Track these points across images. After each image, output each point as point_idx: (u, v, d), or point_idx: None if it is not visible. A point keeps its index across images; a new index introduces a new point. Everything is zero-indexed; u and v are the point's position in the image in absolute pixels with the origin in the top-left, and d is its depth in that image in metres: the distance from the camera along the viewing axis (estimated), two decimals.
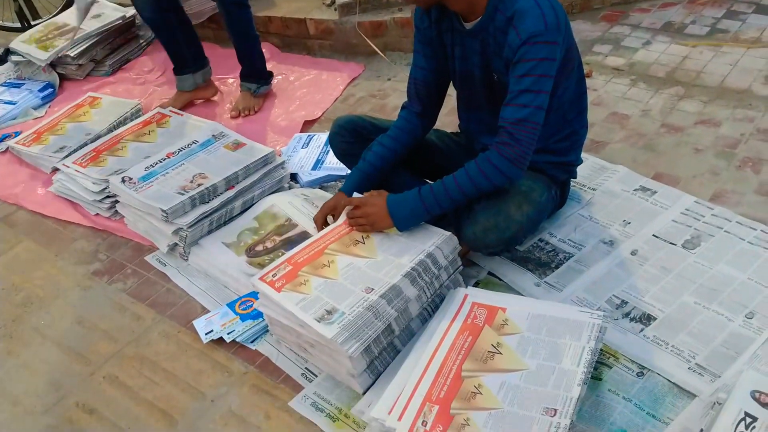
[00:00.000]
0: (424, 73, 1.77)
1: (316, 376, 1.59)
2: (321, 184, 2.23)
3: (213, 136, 2.29)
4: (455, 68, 1.72)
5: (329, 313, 1.46)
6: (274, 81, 2.84)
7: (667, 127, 2.24)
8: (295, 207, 1.99)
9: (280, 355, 1.65)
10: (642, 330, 1.58)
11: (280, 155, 2.29)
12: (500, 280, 1.78)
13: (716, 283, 1.66)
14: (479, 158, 1.58)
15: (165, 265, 2.00)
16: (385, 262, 1.57)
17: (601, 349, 1.52)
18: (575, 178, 1.92)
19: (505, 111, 1.54)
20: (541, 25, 1.47)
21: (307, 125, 2.62)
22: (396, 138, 1.80)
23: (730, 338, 1.52)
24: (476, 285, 1.77)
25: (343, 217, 1.70)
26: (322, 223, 1.76)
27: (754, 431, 1.24)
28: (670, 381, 1.46)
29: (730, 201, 1.89)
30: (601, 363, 1.51)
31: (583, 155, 2.05)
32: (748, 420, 1.26)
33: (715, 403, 1.35)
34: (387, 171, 1.81)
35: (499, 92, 1.60)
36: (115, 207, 2.21)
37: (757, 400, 1.29)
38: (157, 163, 2.16)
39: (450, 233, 1.63)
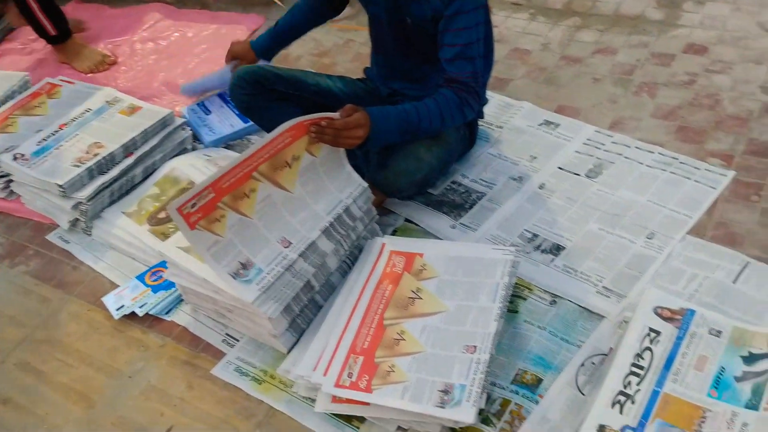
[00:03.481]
0: None
1: (238, 340, 1.56)
2: (226, 143, 2.15)
3: (107, 102, 2.16)
4: (365, 4, 1.69)
5: (244, 267, 1.41)
6: (172, 38, 2.72)
7: (566, 59, 2.27)
8: (198, 169, 1.91)
9: (197, 324, 1.62)
10: (552, 260, 1.63)
11: (180, 116, 2.19)
12: (417, 225, 1.78)
13: (618, 209, 1.72)
14: (446, 97, 1.58)
15: (68, 243, 1.90)
16: (301, 204, 1.51)
17: (516, 283, 1.57)
18: (482, 117, 1.93)
19: (454, 65, 1.57)
20: None
21: None
22: (296, 12, 1.95)
23: (634, 260, 1.60)
24: (394, 233, 1.77)
25: (289, 124, 1.45)
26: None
27: (659, 344, 1.32)
28: (580, 306, 1.52)
29: (628, 127, 1.96)
30: (516, 296, 1.55)
31: (489, 94, 2.06)
32: (653, 335, 1.33)
33: (622, 322, 1.43)
34: (299, 34, 2.02)
35: (414, 37, 1.59)
36: (9, 187, 2.06)
37: (660, 316, 1.36)
38: (49, 137, 2.03)
39: (365, 185, 1.62)
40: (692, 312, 1.36)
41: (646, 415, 1.22)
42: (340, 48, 2.49)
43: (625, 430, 1.20)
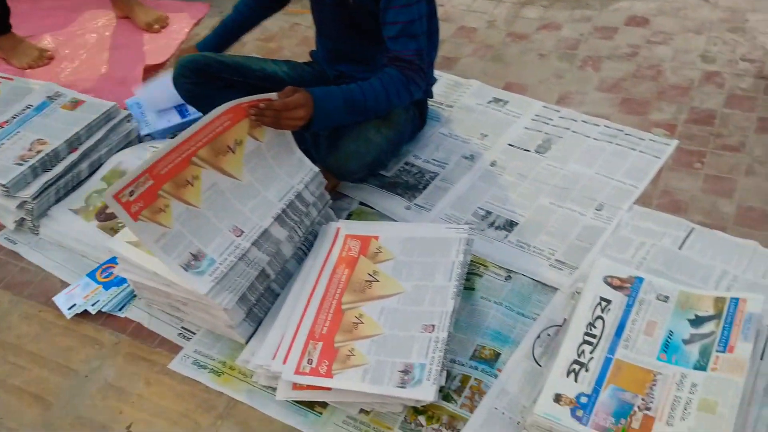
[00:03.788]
0: None
1: (194, 333, 1.55)
2: (173, 132, 2.11)
3: (48, 97, 2.09)
4: None
5: (195, 258, 1.39)
6: (114, 29, 2.65)
7: (512, 35, 2.29)
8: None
9: (152, 319, 1.59)
10: (506, 236, 1.66)
11: (125, 108, 2.14)
12: (372, 208, 1.79)
13: (567, 182, 1.75)
14: (391, 75, 1.57)
15: (15, 243, 1.84)
16: (251, 191, 1.49)
17: (471, 261, 1.59)
18: (431, 97, 1.94)
19: (398, 43, 1.55)
20: None
21: (152, 73, 2.45)
22: (240, 11, 1.88)
23: (584, 231, 1.63)
24: (349, 217, 1.77)
25: (226, 106, 1.42)
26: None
27: (610, 313, 1.35)
28: (534, 280, 1.54)
29: (574, 101, 1.99)
30: (472, 273, 1.57)
31: (437, 73, 2.07)
32: (604, 304, 1.37)
33: (575, 293, 1.46)
34: (246, 30, 1.95)
35: (357, 17, 1.58)
36: None
37: (610, 285, 1.40)
38: None
39: (317, 170, 1.61)
40: (640, 279, 1.39)
41: (599, 382, 1.25)
42: (286, 32, 2.46)
43: (581, 398, 1.23)
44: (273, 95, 1.46)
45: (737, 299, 1.30)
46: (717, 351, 1.23)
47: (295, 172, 1.57)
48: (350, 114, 1.56)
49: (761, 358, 1.26)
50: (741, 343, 1.22)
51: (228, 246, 1.42)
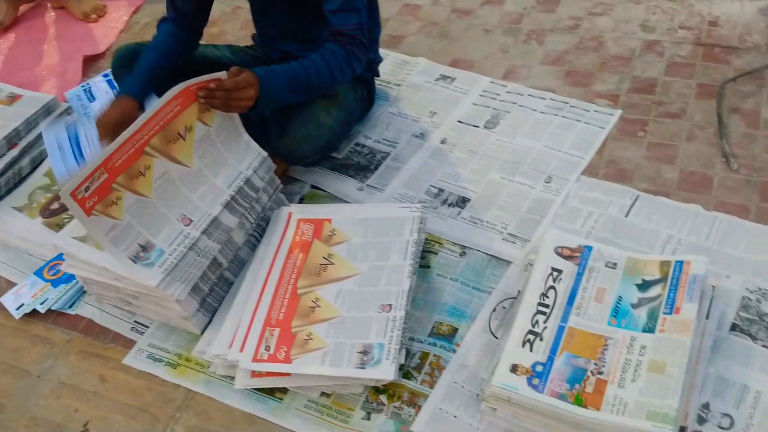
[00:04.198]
0: None
1: (148, 327, 1.52)
2: None
3: None
4: None
5: (144, 249, 1.36)
6: (50, 20, 2.55)
7: (457, 12, 2.29)
8: None
9: (104, 314, 1.56)
10: (459, 213, 1.67)
11: (65, 101, 2.08)
12: (324, 191, 1.78)
13: (517, 156, 1.77)
14: (332, 51, 1.55)
15: None
16: (200, 178, 1.47)
17: (426, 239, 1.59)
18: (378, 76, 1.93)
19: (339, 17, 1.54)
20: None
21: (91, 63, 2.38)
22: (157, 49, 1.68)
23: (534, 204, 1.65)
24: (301, 201, 1.76)
25: (176, 90, 1.38)
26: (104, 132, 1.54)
27: (561, 282, 1.38)
28: (488, 254, 1.56)
29: (520, 75, 2.01)
30: (427, 251, 1.58)
31: (384, 51, 2.06)
32: (555, 274, 1.39)
33: (528, 265, 1.48)
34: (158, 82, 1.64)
35: None
36: None
37: (560, 255, 1.42)
38: None
39: (265, 154, 1.58)
40: (589, 248, 1.42)
41: (554, 350, 1.28)
42: (228, 16, 2.42)
43: (536, 366, 1.25)
44: (222, 74, 1.43)
45: (682, 262, 1.34)
46: (664, 313, 1.27)
47: (244, 157, 1.55)
48: (295, 92, 1.54)
49: (707, 318, 1.30)
50: (687, 305, 1.26)
51: (177, 236, 1.40)
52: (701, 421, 1.22)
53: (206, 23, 1.77)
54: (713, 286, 1.35)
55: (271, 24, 1.76)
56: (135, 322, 1.54)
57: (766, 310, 1.35)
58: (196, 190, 1.46)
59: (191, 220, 1.43)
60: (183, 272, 1.38)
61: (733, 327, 1.34)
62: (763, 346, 1.30)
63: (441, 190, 1.73)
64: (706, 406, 1.24)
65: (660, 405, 1.14)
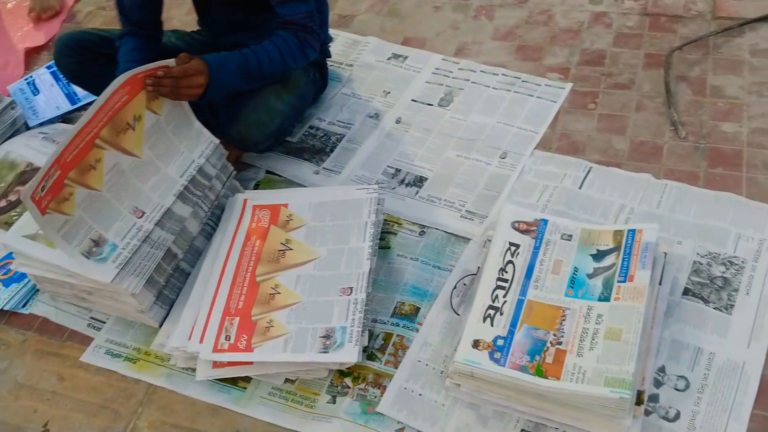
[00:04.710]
0: None
1: (104, 322, 1.50)
2: (63, 116, 2.00)
3: None
4: None
5: (96, 244, 1.33)
6: None
7: None
8: (35, 149, 1.77)
9: (59, 312, 1.53)
10: (417, 192, 1.67)
11: (7, 95, 2.01)
12: (279, 176, 1.76)
13: (472, 133, 1.78)
14: (285, 38, 1.53)
15: None
16: (151, 169, 1.43)
17: (385, 219, 1.59)
18: (329, 57, 1.90)
19: (286, 7, 1.52)
20: None
21: (34, 55, 2.30)
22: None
23: (491, 180, 1.66)
24: (257, 186, 1.73)
25: (123, 78, 1.34)
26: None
27: (519, 256, 1.39)
28: (447, 232, 1.57)
29: (472, 52, 2.00)
30: (386, 232, 1.58)
31: (334, 32, 2.04)
32: (513, 248, 1.41)
33: (486, 241, 1.49)
34: None
35: None
36: None
37: (517, 229, 1.44)
38: None
39: (217, 141, 1.56)
40: (545, 221, 1.44)
41: (514, 324, 1.29)
42: (173, 2, 2.35)
43: (497, 341, 1.27)
44: (170, 61, 1.40)
45: (634, 231, 1.36)
46: (618, 281, 1.29)
47: (195, 145, 1.52)
48: (246, 80, 1.52)
49: (660, 284, 1.33)
50: (640, 272, 1.29)
51: (130, 229, 1.37)
52: (658, 384, 1.26)
53: (162, 28, 1.72)
54: (665, 253, 1.38)
55: (216, 18, 1.72)
56: (91, 318, 1.51)
57: (716, 274, 1.39)
58: (148, 180, 1.43)
59: (144, 212, 1.40)
60: (137, 266, 1.36)
61: (686, 291, 1.37)
62: (715, 308, 1.34)
63: (398, 170, 1.73)
64: (662, 370, 1.27)
65: (617, 371, 1.16)
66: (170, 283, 1.45)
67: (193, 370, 1.35)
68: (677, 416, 1.22)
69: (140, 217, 1.39)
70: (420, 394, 1.31)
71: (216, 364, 1.32)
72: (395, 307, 1.45)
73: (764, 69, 1.78)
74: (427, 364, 1.35)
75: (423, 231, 1.58)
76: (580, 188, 1.60)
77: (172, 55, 1.57)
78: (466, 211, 1.61)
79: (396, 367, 1.35)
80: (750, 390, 1.23)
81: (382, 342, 1.39)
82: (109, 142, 1.36)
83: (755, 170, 1.57)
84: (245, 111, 1.62)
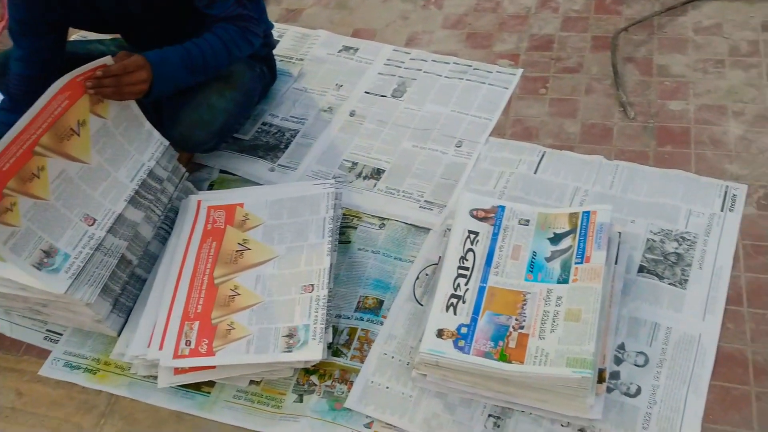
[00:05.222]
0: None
1: (62, 334, 1.46)
2: None
3: None
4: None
5: (48, 254, 1.29)
6: None
7: None
8: None
9: (14, 326, 1.49)
10: (375, 185, 1.66)
11: None
12: (234, 175, 1.73)
13: (427, 123, 1.78)
14: (226, 28, 1.50)
15: None
16: (100, 174, 1.40)
17: (344, 213, 1.58)
18: (274, 48, 1.87)
19: (214, 8, 1.49)
20: None
21: None
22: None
23: (447, 169, 1.67)
24: (211, 187, 1.70)
25: (60, 83, 1.30)
26: None
27: (479, 244, 1.40)
28: (407, 223, 1.57)
29: (422, 41, 2.00)
30: (346, 226, 1.57)
31: (283, 26, 2.02)
32: (472, 236, 1.41)
33: (446, 231, 1.50)
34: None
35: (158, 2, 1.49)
36: None
37: (476, 217, 1.44)
38: None
39: (167, 142, 1.52)
40: (502, 208, 1.45)
41: (476, 311, 1.30)
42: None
43: (461, 329, 1.27)
44: (107, 59, 1.36)
45: (588, 212, 1.38)
46: (576, 263, 1.31)
47: (146, 148, 1.48)
48: (192, 72, 1.48)
49: (615, 263, 1.36)
50: (596, 252, 1.31)
51: (81, 237, 1.33)
52: (618, 361, 1.28)
53: (63, 59, 1.59)
54: (619, 232, 1.40)
55: (141, 35, 1.66)
56: (48, 330, 1.48)
57: (669, 250, 1.42)
58: (98, 186, 1.39)
59: (95, 220, 1.36)
60: (91, 274, 1.32)
61: (641, 269, 1.40)
62: (669, 284, 1.37)
63: (355, 164, 1.72)
64: (621, 347, 1.30)
65: (578, 351, 1.18)
66: (126, 290, 1.42)
67: (155, 377, 1.33)
68: (638, 391, 1.24)
69: (91, 225, 1.35)
70: (387, 387, 1.31)
71: (178, 371, 1.30)
72: (359, 302, 1.44)
73: (708, 46, 1.83)
74: (393, 357, 1.35)
75: (383, 223, 1.58)
76: (535, 173, 1.61)
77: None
78: (425, 201, 1.61)
79: (362, 362, 1.35)
80: (707, 362, 1.26)
81: (347, 337, 1.39)
82: (52, 149, 1.32)
83: (703, 146, 1.61)
84: (186, 111, 1.57)
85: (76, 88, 1.33)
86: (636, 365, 1.28)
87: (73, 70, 1.31)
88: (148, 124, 1.50)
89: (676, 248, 1.42)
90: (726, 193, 1.50)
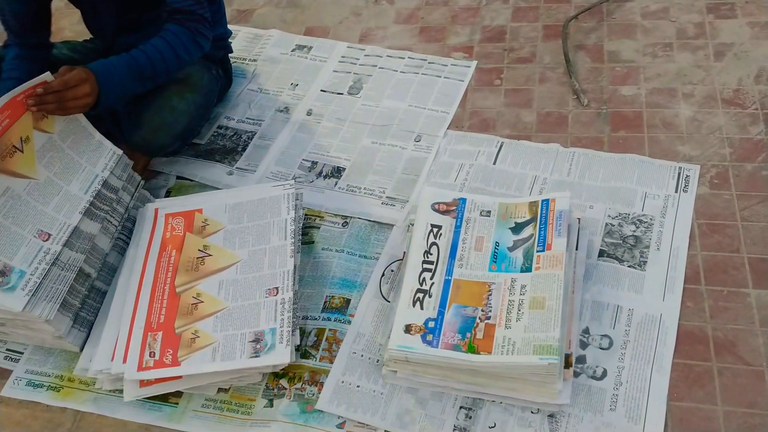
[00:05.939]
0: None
1: (22, 353, 1.42)
2: None
3: None
4: None
5: (2, 273, 1.25)
6: None
7: None
8: None
9: None
10: (336, 183, 1.66)
11: None
12: (191, 180, 1.71)
13: (385, 119, 1.77)
14: (174, 32, 1.48)
15: None
16: (51, 188, 1.36)
17: (306, 214, 1.57)
18: (231, 52, 1.86)
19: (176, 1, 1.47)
20: None
21: None
22: (11, 78, 1.51)
23: (408, 164, 1.67)
24: (168, 194, 1.68)
25: (2, 101, 1.28)
26: None
27: (442, 237, 1.40)
28: (369, 220, 1.57)
29: (376, 37, 2.00)
30: (309, 227, 1.56)
31: (234, 27, 1.99)
32: (435, 230, 1.42)
33: (409, 226, 1.50)
34: None
35: None
36: None
37: (438, 211, 1.45)
38: None
39: (120, 152, 1.49)
40: (463, 200, 1.46)
41: (443, 304, 1.31)
42: (63, 12, 2.22)
43: (428, 323, 1.28)
44: (46, 75, 1.32)
45: (548, 200, 1.40)
46: (537, 251, 1.33)
47: (97, 159, 1.45)
48: (140, 81, 1.46)
49: (576, 249, 1.38)
50: (556, 239, 1.32)
51: (37, 253, 1.30)
52: (583, 345, 1.30)
53: (50, 38, 1.63)
54: (579, 218, 1.42)
55: (105, 23, 1.64)
56: (7, 350, 1.44)
57: (628, 233, 1.45)
58: (50, 201, 1.36)
59: (50, 235, 1.33)
60: (49, 290, 1.29)
61: (601, 253, 1.42)
62: (629, 266, 1.40)
63: (314, 163, 1.71)
64: (586, 331, 1.32)
65: (544, 338, 1.19)
66: (86, 304, 1.39)
67: (121, 391, 1.30)
68: (604, 374, 1.26)
69: (46, 240, 1.32)
70: (358, 386, 1.30)
71: (143, 383, 1.27)
72: (325, 302, 1.44)
73: (656, 30, 1.86)
74: (362, 355, 1.34)
75: (346, 222, 1.58)
76: (494, 164, 1.62)
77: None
78: (387, 197, 1.61)
79: (331, 362, 1.34)
80: (669, 341, 1.29)
81: (315, 338, 1.38)
82: None
83: (656, 129, 1.64)
84: (148, 114, 1.56)
85: (16, 107, 1.29)
86: (601, 348, 1.30)
87: (13, 89, 1.28)
88: (98, 135, 1.46)
89: (634, 231, 1.45)
90: (680, 174, 1.53)
